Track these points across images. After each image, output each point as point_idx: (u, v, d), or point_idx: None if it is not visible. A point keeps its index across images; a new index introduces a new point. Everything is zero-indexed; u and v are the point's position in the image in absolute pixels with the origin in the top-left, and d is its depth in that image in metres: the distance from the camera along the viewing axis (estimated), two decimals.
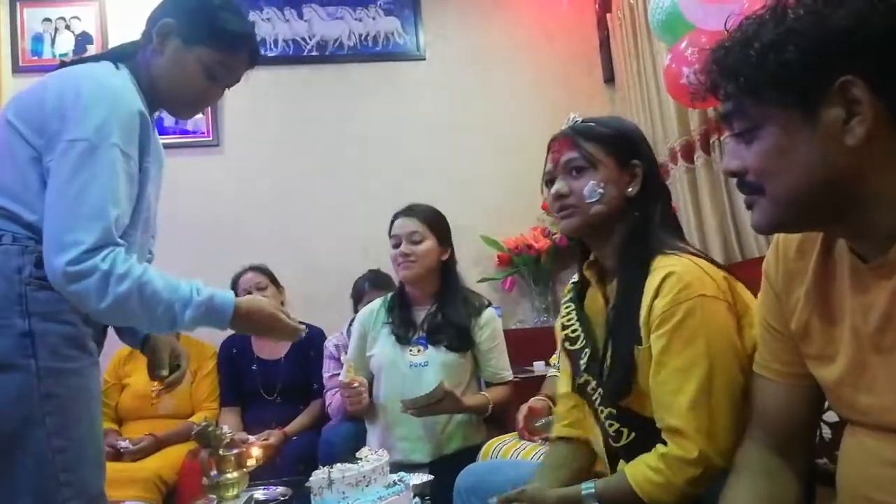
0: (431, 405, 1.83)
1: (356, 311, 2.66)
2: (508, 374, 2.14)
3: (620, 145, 1.21)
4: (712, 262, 1.14)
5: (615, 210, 1.19)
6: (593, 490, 1.11)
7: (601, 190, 1.18)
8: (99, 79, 1.22)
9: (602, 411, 1.19)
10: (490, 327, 2.09)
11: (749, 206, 0.82)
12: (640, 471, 1.06)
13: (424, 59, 3.59)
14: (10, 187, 1.18)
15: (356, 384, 1.93)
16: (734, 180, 0.83)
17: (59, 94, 1.19)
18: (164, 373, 1.48)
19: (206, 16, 1.31)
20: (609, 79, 3.61)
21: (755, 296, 1.03)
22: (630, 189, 1.19)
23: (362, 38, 3.58)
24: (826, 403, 0.95)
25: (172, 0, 1.34)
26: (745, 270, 2.27)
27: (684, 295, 1.05)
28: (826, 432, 1.20)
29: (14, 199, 1.17)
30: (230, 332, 2.86)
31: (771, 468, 0.95)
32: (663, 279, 1.08)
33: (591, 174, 1.19)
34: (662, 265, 1.10)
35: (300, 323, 1.40)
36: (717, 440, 1.01)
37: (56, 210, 1.14)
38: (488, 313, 2.11)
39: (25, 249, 1.15)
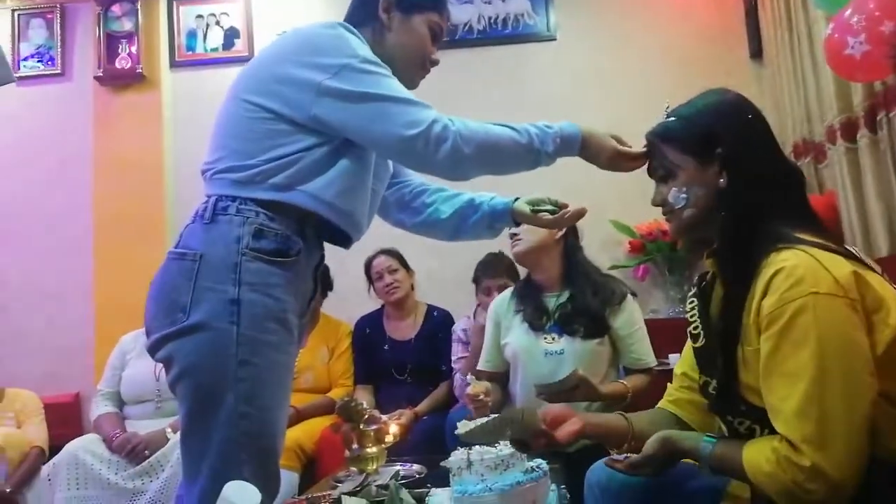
0: (566, 391, 1.79)
1: (477, 295, 2.72)
2: (651, 360, 2.05)
3: (696, 141, 1.14)
4: (843, 253, 1.02)
5: (708, 208, 1.14)
6: (710, 450, 1.07)
7: (684, 195, 1.15)
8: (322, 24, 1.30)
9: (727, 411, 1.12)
10: (626, 311, 2.02)
11: None
12: (755, 451, 1.00)
13: (555, 40, 3.52)
14: (246, 153, 1.23)
15: (481, 396, 1.89)
16: None
17: (292, 47, 1.28)
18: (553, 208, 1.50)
19: None
20: (756, 53, 3.35)
21: None
22: (721, 181, 1.12)
23: (492, 20, 3.56)
24: None
25: None
26: None
27: (794, 293, 0.96)
28: None
29: (246, 168, 1.22)
30: (363, 312, 3.03)
31: None
32: (772, 276, 0.99)
33: (673, 180, 1.17)
34: (775, 261, 1.00)
35: None
36: (831, 451, 0.91)
37: (377, 118, 1.23)
38: (629, 301, 2.04)
39: (246, 220, 1.20)
